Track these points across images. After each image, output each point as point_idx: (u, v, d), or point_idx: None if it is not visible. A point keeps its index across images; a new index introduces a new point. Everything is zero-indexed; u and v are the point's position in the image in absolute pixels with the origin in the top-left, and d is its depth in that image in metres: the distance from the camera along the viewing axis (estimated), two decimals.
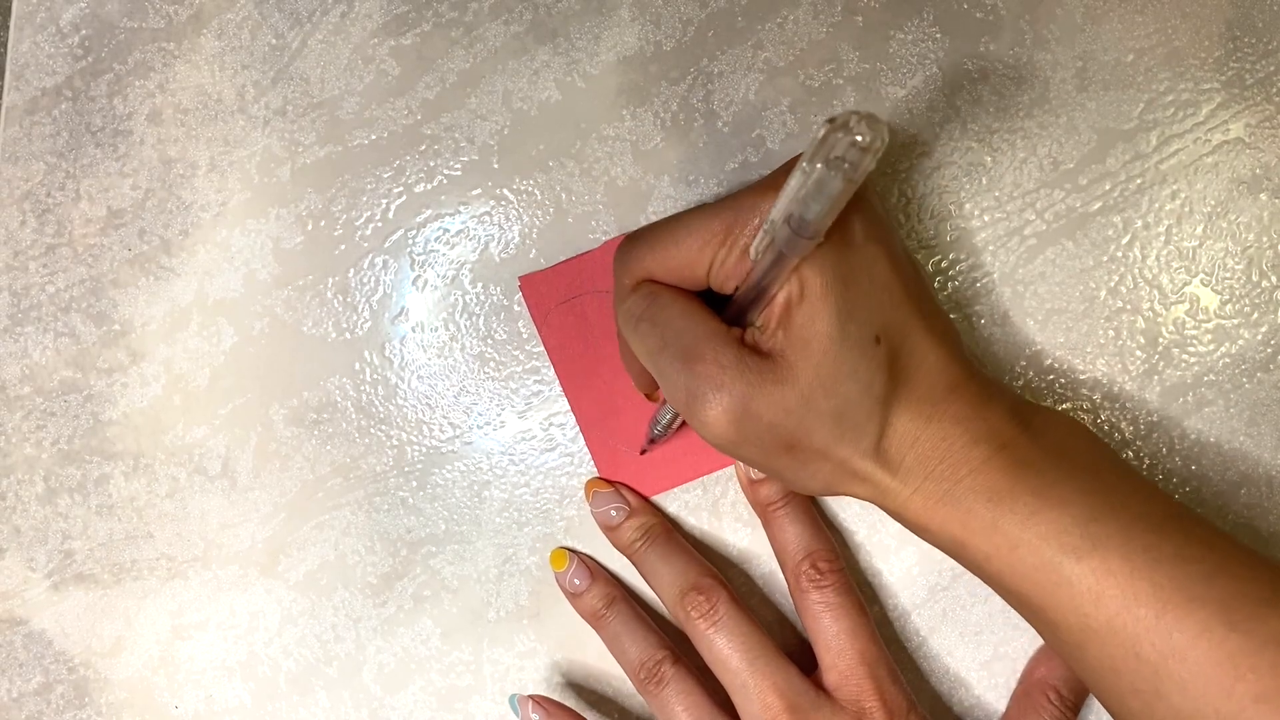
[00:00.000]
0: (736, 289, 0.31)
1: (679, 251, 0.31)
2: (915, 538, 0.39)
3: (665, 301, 0.32)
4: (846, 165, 0.24)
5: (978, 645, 0.39)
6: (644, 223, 0.39)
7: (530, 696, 0.37)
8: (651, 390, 0.38)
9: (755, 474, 0.38)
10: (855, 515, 0.39)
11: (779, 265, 0.28)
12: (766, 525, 0.38)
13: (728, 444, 0.31)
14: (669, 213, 0.39)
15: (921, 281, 0.33)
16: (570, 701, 0.38)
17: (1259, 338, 0.38)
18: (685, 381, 0.30)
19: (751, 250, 0.30)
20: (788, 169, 0.31)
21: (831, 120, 0.24)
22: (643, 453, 0.39)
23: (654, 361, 0.32)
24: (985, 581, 0.32)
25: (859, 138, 0.24)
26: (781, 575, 0.39)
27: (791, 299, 0.30)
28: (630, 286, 0.33)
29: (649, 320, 0.32)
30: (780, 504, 0.37)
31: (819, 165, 0.25)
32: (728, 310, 0.32)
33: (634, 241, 0.33)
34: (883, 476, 0.31)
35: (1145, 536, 0.29)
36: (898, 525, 0.39)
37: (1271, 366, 0.38)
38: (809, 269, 0.29)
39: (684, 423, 0.37)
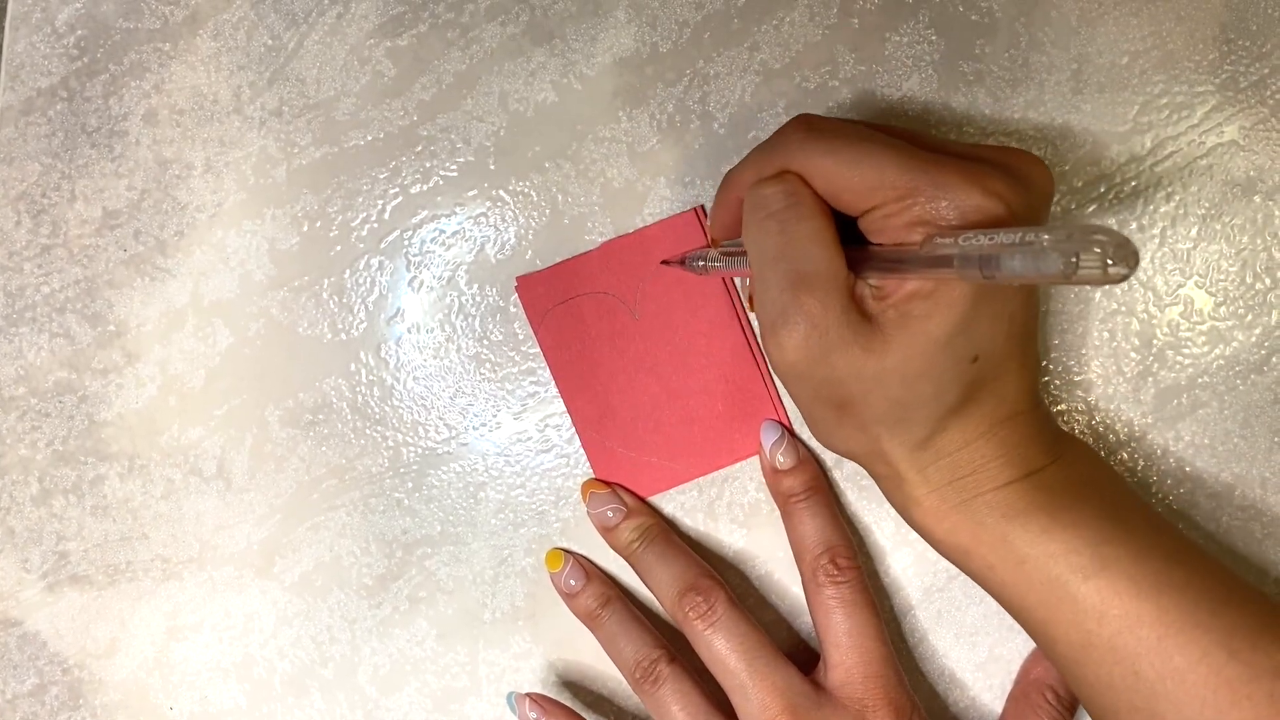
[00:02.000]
0: (878, 244, 0.30)
1: (851, 176, 0.30)
2: (911, 539, 0.39)
3: (804, 213, 0.30)
4: (1078, 269, 0.23)
5: (973, 646, 0.39)
6: (640, 225, 0.39)
7: (528, 694, 0.38)
8: (720, 236, 0.36)
9: (780, 463, 0.38)
10: (851, 516, 0.39)
11: (938, 270, 0.27)
12: (786, 517, 0.38)
13: (789, 373, 0.31)
14: (666, 215, 0.39)
15: (1036, 317, 0.33)
16: (566, 703, 0.38)
17: (1253, 340, 0.38)
18: (785, 301, 0.30)
19: (925, 243, 0.28)
20: (988, 157, 0.30)
21: (1098, 232, 0.22)
22: (664, 263, 0.38)
23: (765, 265, 0.31)
24: (985, 589, 0.32)
25: (1111, 265, 0.22)
26: (777, 576, 0.39)
27: (921, 290, 0.29)
28: (778, 169, 0.32)
29: (779, 223, 0.31)
30: (802, 496, 0.37)
31: (1056, 246, 0.23)
32: (854, 250, 0.31)
33: (814, 135, 0.31)
34: (907, 469, 0.31)
35: (1154, 563, 0.30)
36: (893, 527, 0.39)
37: (1265, 369, 0.38)
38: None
39: (712, 273, 0.37)
